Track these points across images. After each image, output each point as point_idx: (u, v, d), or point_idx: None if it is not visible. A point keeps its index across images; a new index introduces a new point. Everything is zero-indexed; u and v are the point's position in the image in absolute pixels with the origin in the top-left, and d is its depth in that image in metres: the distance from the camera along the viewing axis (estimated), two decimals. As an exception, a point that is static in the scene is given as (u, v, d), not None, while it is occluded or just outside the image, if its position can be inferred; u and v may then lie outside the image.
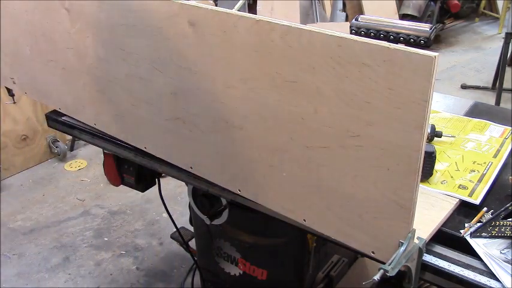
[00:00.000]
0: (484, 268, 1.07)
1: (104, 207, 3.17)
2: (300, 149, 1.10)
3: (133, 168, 1.82)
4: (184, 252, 2.37)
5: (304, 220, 1.18)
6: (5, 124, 3.37)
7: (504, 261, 1.07)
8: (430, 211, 1.20)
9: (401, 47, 0.87)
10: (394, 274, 0.94)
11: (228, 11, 1.10)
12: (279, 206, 1.23)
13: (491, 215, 1.19)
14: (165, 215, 2.51)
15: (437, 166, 1.38)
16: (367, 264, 2.06)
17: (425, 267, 1.10)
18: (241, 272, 1.85)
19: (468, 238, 1.13)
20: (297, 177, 1.14)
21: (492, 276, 1.05)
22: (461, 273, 1.07)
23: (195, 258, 2.08)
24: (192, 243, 2.10)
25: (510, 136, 1.54)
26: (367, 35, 1.63)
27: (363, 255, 1.11)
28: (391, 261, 0.96)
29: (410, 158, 0.92)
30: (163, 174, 1.75)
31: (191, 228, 2.08)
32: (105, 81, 1.51)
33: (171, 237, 2.30)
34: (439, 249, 1.13)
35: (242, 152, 1.23)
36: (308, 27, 0.98)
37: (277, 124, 1.12)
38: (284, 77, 1.05)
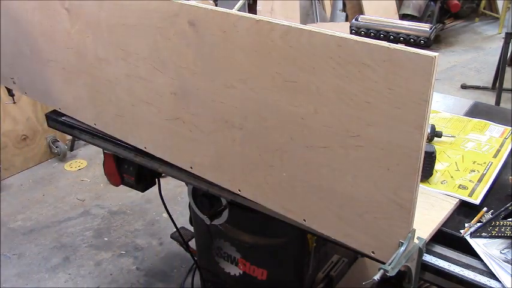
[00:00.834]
0: (484, 268, 1.07)
1: (104, 207, 3.17)
2: (300, 149, 1.10)
3: (133, 168, 1.82)
4: (184, 252, 2.37)
5: (304, 220, 1.18)
6: (5, 124, 3.37)
7: (504, 261, 1.07)
8: (430, 211, 1.20)
9: (401, 47, 0.87)
10: (394, 274, 0.94)
11: (228, 11, 1.10)
12: (279, 206, 1.23)
13: (491, 215, 1.19)
14: (165, 215, 2.52)
15: (437, 166, 1.38)
16: (367, 264, 2.05)
17: (425, 267, 1.10)
18: (241, 272, 1.85)
19: (468, 238, 1.13)
20: (297, 177, 1.14)
21: (492, 276, 1.05)
22: (461, 273, 1.07)
23: (195, 258, 2.08)
24: (192, 243, 2.10)
25: (510, 136, 1.54)
26: (367, 35, 1.64)
27: (363, 255, 1.11)
28: (391, 261, 0.96)
29: (410, 158, 0.92)
30: (163, 174, 1.75)
31: (191, 228, 2.08)
32: (105, 81, 1.51)
33: (171, 237, 2.30)
34: (439, 249, 1.13)
35: (242, 152, 1.23)
36: (308, 27, 0.98)
37: (277, 124, 1.12)
38: (284, 77, 1.05)
